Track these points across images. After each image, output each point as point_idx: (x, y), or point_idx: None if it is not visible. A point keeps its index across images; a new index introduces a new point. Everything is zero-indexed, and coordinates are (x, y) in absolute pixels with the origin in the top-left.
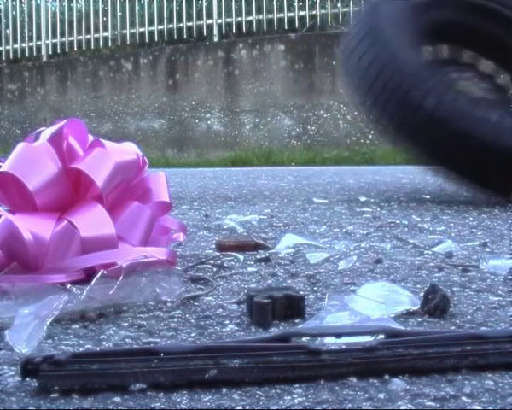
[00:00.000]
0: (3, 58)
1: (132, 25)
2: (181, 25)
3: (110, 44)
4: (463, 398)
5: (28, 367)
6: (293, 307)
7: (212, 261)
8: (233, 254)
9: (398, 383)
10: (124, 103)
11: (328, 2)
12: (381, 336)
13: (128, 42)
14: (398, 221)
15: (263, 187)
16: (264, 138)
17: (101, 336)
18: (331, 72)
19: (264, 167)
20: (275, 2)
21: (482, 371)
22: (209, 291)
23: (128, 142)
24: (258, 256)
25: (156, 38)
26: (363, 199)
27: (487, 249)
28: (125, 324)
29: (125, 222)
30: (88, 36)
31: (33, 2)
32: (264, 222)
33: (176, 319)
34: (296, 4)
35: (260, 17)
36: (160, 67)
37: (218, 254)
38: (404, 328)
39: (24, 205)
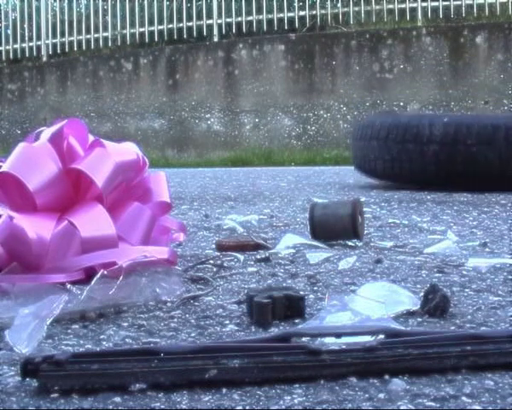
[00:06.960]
0: (3, 58)
1: (132, 25)
2: (181, 25)
3: (110, 44)
4: (463, 398)
5: (28, 367)
6: (293, 307)
7: (212, 261)
8: (233, 254)
9: (398, 383)
10: (124, 103)
11: (328, 2)
12: (381, 336)
13: (128, 42)
14: (398, 221)
15: (263, 187)
16: (264, 138)
17: (101, 336)
18: (331, 72)
19: (264, 167)
20: (275, 2)
21: (482, 371)
22: (209, 291)
23: (128, 142)
24: (258, 256)
25: (156, 38)
26: (363, 199)
27: (487, 249)
28: (125, 324)
29: (125, 222)
30: (88, 36)
31: (33, 2)
32: (264, 222)
33: (176, 319)
34: (296, 4)
35: (260, 17)
36: (160, 67)
37: (218, 254)
38: (404, 328)
39: (24, 205)
